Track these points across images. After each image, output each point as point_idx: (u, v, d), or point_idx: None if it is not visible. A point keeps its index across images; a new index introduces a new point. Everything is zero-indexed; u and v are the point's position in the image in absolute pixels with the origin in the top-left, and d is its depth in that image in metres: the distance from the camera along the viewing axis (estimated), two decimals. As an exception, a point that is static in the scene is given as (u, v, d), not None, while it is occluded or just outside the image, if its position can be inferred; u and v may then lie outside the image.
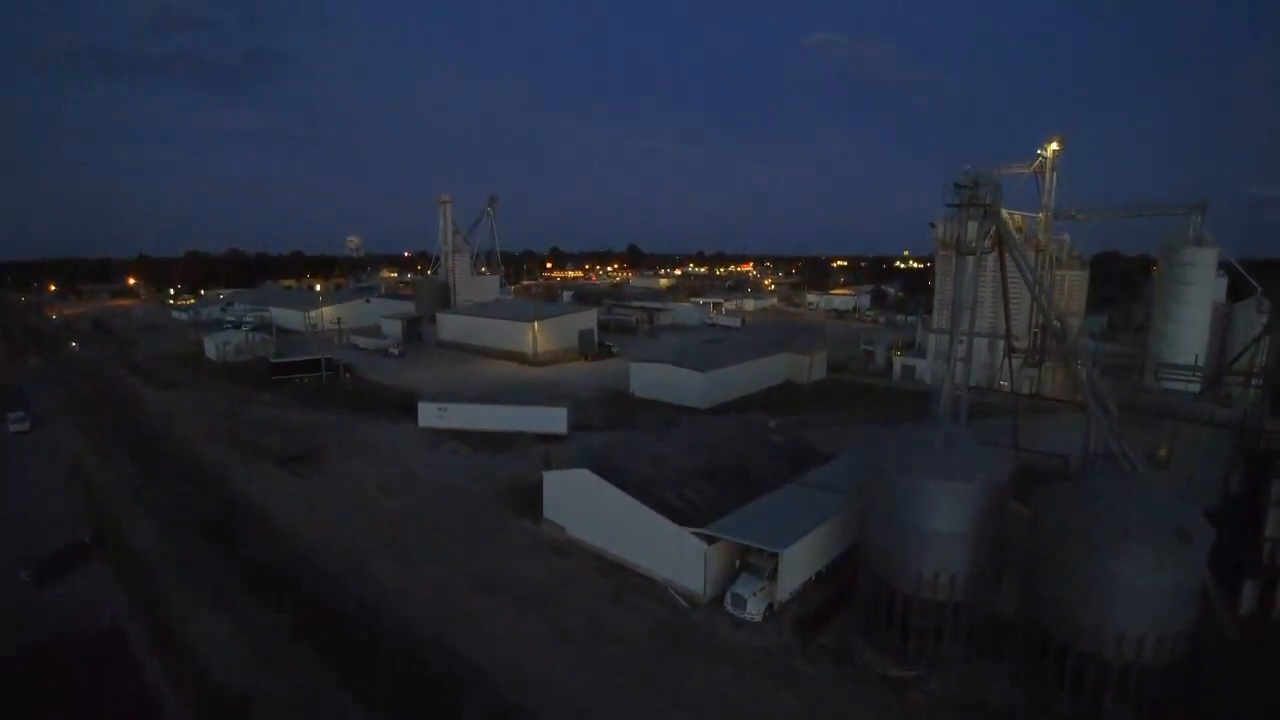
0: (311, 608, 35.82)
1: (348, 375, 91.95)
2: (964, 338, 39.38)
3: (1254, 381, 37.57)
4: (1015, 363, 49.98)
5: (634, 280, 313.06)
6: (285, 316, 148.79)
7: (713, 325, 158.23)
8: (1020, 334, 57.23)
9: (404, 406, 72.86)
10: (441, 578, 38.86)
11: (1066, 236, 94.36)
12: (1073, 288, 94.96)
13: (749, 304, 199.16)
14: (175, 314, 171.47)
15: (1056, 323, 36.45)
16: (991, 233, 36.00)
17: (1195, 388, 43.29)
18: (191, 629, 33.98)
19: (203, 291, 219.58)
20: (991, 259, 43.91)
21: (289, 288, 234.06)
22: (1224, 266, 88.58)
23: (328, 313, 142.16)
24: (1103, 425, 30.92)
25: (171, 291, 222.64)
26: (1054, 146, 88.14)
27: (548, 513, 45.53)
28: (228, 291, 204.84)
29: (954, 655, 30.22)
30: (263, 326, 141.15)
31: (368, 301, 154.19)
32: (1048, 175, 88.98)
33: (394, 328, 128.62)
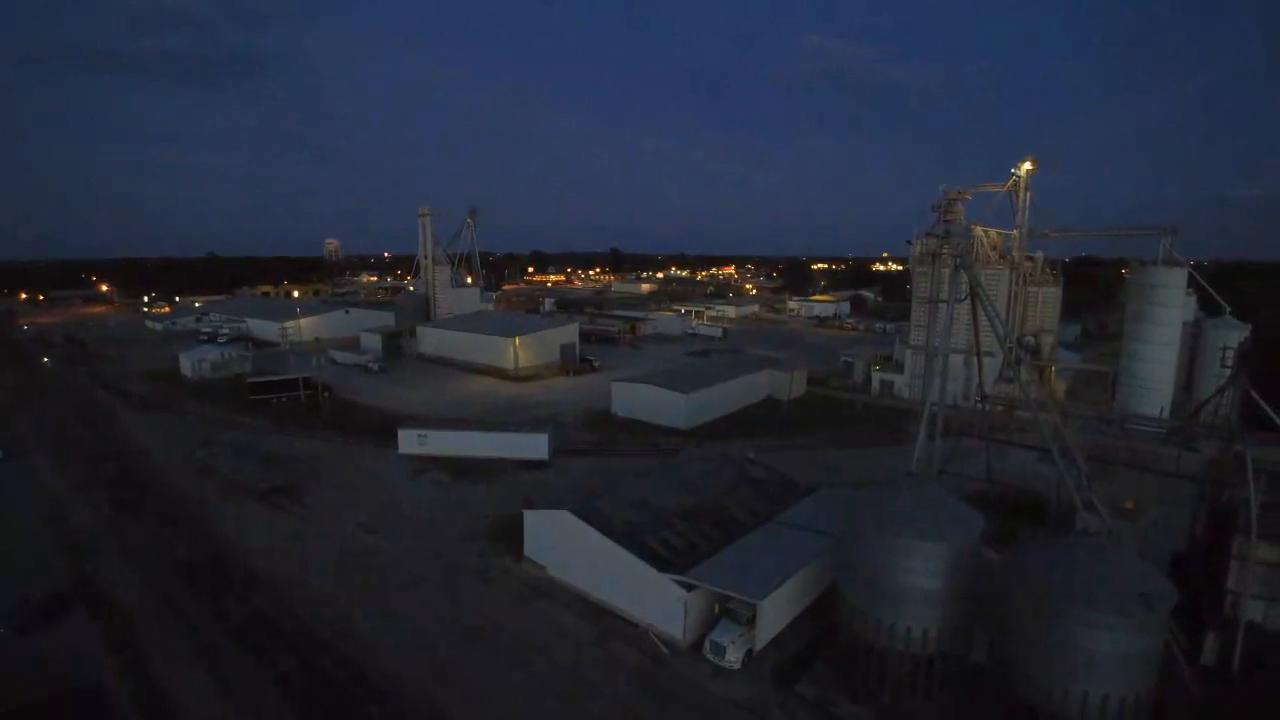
0: (296, 664, 35.61)
1: (326, 396, 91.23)
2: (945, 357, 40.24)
3: (1218, 427, 38.66)
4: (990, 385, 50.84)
5: (616, 285, 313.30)
6: (262, 327, 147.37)
7: (694, 335, 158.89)
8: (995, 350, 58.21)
9: (385, 430, 72.50)
10: (426, 628, 38.77)
11: (1040, 254, 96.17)
12: (1046, 303, 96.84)
13: (731, 311, 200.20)
14: (150, 323, 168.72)
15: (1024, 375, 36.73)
16: (964, 283, 36.71)
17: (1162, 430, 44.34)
18: (174, 686, 33.76)
19: (178, 299, 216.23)
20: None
21: (266, 295, 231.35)
22: (1195, 281, 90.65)
23: (305, 324, 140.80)
24: (1071, 477, 31.71)
25: (146, 299, 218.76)
26: (1027, 166, 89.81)
27: (528, 551, 45.71)
28: (203, 300, 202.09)
29: (929, 708, 30.89)
30: (238, 339, 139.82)
31: (347, 313, 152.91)
32: (1021, 194, 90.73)
33: (374, 342, 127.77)
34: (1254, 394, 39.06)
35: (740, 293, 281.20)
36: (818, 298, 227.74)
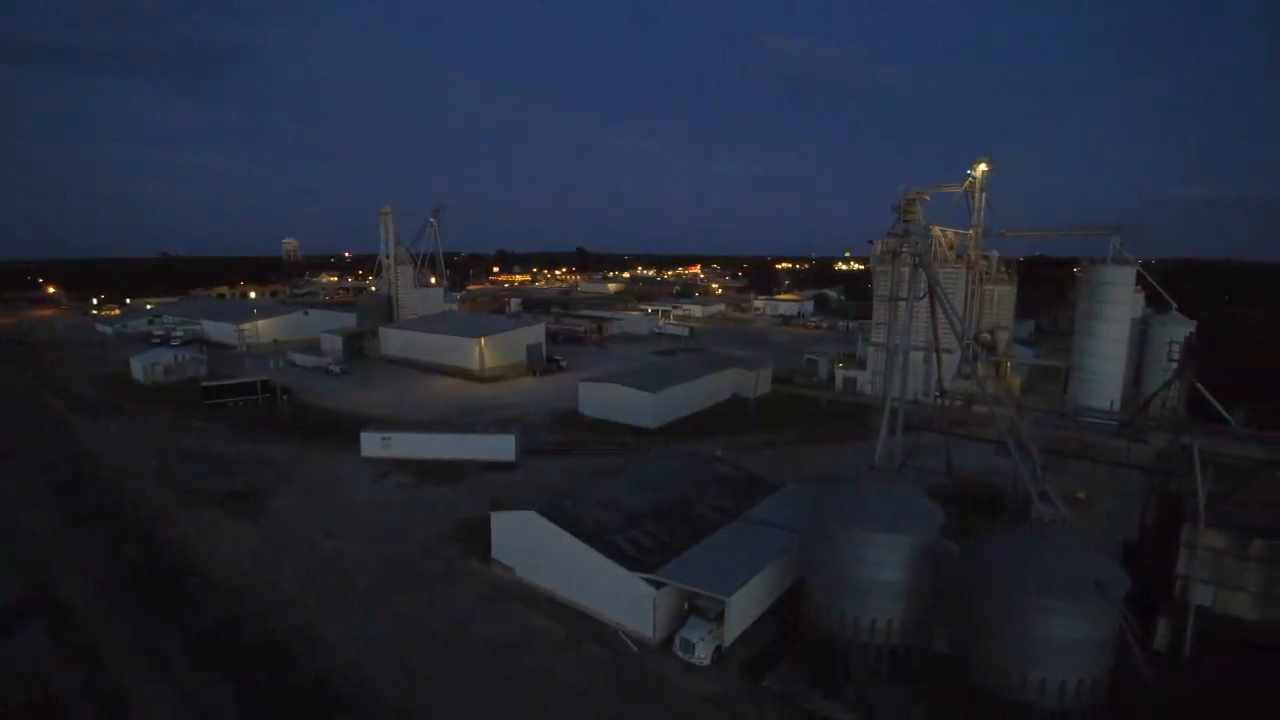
0: (260, 673, 34.71)
1: (285, 398, 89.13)
2: (904, 360, 41.09)
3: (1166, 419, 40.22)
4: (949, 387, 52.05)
5: (583, 285, 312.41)
6: (218, 330, 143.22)
7: (661, 334, 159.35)
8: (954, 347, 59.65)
9: (347, 433, 71.07)
10: (393, 632, 38.19)
11: (995, 253, 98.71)
12: (1002, 300, 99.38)
13: (697, 311, 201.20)
14: (100, 327, 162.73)
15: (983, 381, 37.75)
16: (923, 282, 37.51)
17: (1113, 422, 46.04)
18: (132, 698, 32.67)
19: (129, 301, 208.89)
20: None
21: (222, 296, 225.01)
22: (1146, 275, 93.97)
23: (263, 326, 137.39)
24: (1026, 469, 32.66)
25: (95, 301, 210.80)
26: (983, 167, 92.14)
27: (496, 553, 45.32)
28: (156, 302, 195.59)
29: (894, 698, 31.50)
30: (193, 341, 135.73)
31: (306, 314, 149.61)
32: (977, 194, 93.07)
33: (335, 343, 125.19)
34: (1200, 387, 40.79)
35: (706, 292, 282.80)
36: (782, 297, 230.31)
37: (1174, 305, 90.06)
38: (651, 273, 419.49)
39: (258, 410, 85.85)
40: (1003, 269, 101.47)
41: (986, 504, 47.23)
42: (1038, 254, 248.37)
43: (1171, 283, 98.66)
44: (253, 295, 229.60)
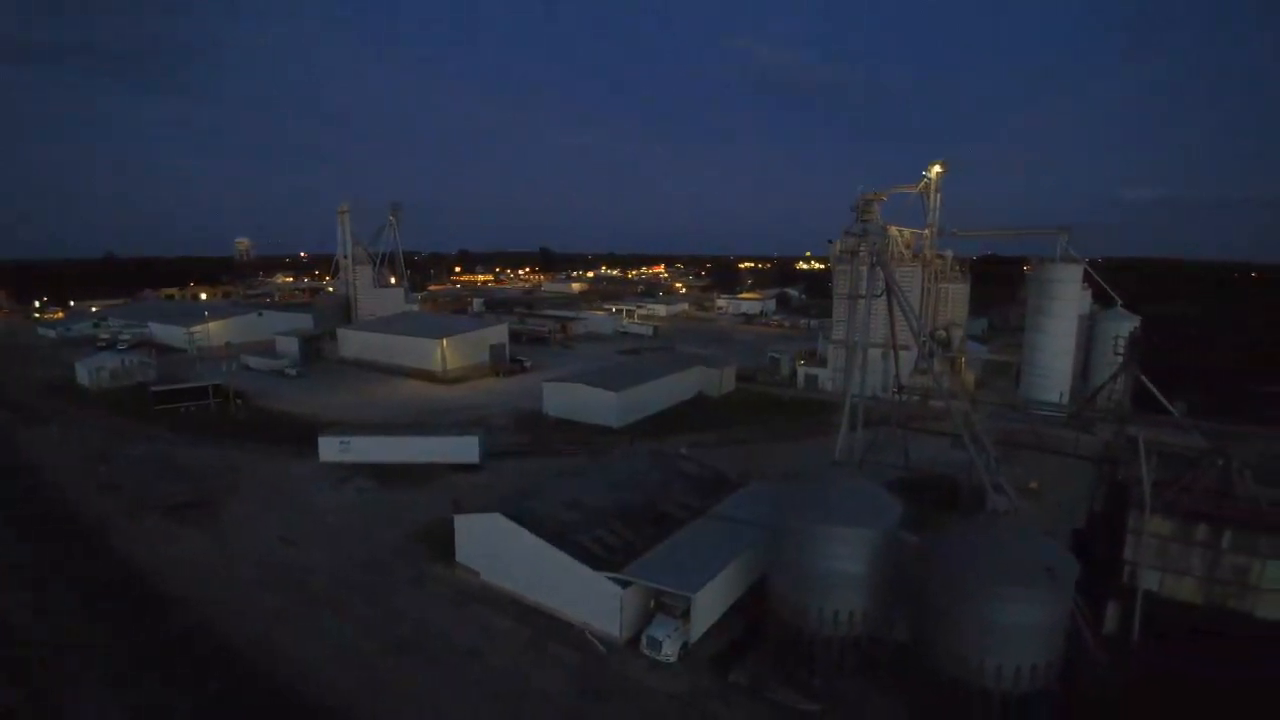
0: (216, 686, 33.61)
1: (239, 403, 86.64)
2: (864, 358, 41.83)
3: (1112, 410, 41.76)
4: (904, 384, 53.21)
5: (546, 285, 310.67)
6: (167, 333, 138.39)
7: (625, 334, 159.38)
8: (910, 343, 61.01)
9: (305, 437, 69.34)
10: (355, 640, 37.39)
11: (949, 252, 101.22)
12: (956, 298, 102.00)
13: (661, 310, 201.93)
14: (41, 330, 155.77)
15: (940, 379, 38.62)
16: (881, 280, 38.27)
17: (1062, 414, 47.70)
18: (81, 718, 31.37)
19: (72, 303, 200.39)
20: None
21: (171, 298, 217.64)
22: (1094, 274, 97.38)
23: (214, 328, 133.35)
24: (980, 461, 33.58)
25: (36, 304, 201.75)
26: (937, 169, 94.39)
27: (460, 557, 44.78)
28: (101, 305, 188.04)
29: (857, 688, 32.07)
30: (141, 345, 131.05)
31: (260, 315, 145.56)
32: (932, 195, 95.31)
33: (290, 345, 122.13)
34: (1144, 380, 42.43)
35: (670, 291, 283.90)
36: (745, 296, 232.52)
37: (1119, 302, 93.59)
38: (616, 272, 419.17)
39: (210, 415, 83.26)
40: (956, 268, 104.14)
41: (943, 496, 48.39)
42: (989, 253, 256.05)
43: (1116, 280, 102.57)
44: (203, 297, 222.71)
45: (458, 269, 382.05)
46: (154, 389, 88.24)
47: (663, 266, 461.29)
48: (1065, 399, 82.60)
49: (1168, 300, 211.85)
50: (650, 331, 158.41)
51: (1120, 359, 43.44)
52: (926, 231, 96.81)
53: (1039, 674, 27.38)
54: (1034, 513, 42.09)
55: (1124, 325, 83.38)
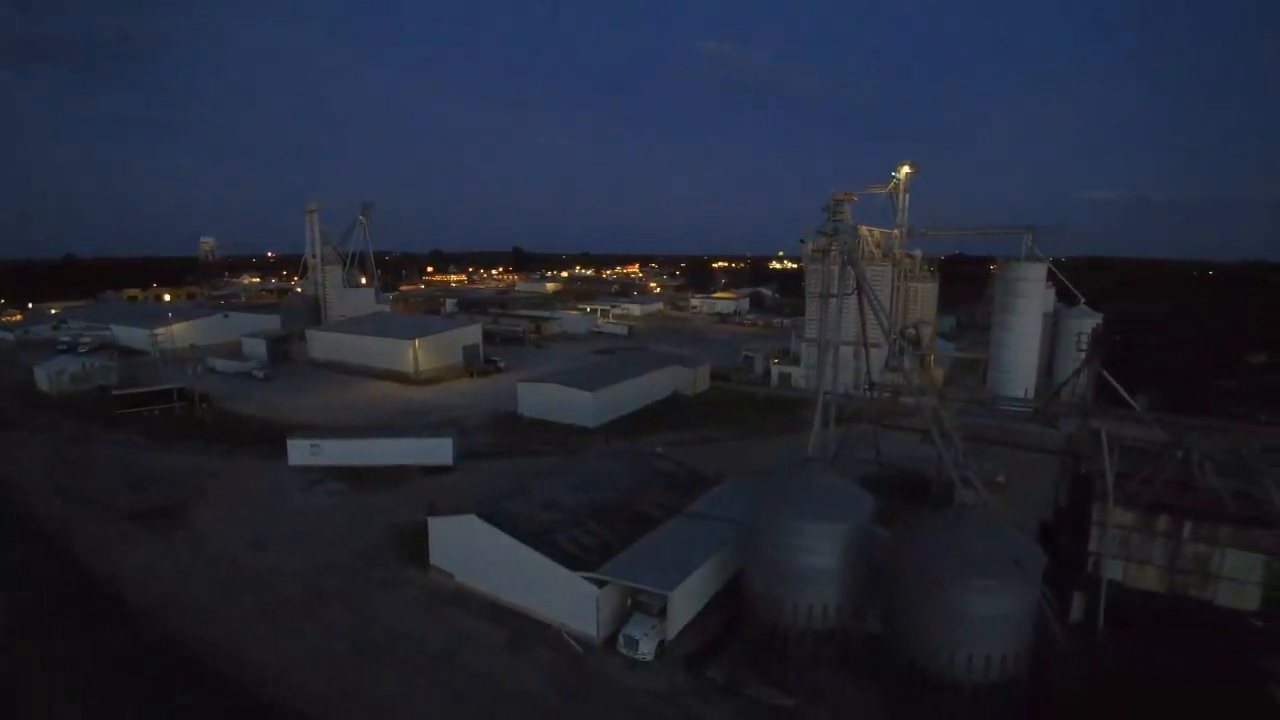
0: (183, 697, 32.85)
1: (204, 406, 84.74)
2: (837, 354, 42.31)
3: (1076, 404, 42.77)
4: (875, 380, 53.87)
5: (520, 285, 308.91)
6: (129, 335, 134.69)
7: (600, 333, 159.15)
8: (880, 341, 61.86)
9: (274, 440, 68.04)
10: (327, 646, 36.79)
11: (918, 252, 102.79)
12: (925, 297, 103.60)
13: (636, 309, 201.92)
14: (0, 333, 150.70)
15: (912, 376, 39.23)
16: (852, 279, 38.74)
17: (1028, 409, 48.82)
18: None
19: (31, 305, 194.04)
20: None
21: (134, 300, 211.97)
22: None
23: (178, 330, 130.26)
24: (949, 456, 34.17)
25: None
26: (906, 170, 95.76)
27: (435, 560, 44.32)
28: (61, 307, 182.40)
29: (833, 681, 32.42)
30: (102, 347, 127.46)
31: (226, 317, 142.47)
32: (901, 195, 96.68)
33: (258, 347, 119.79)
34: (1106, 375, 43.51)
35: (645, 291, 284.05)
36: (719, 295, 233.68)
37: (1082, 299, 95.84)
38: (590, 272, 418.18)
39: (175, 420, 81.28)
40: (925, 267, 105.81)
41: (914, 490, 49.13)
42: (957, 253, 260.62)
43: (1079, 278, 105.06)
44: (167, 298, 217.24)
45: (430, 269, 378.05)
46: (116, 393, 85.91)
47: (637, 266, 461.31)
48: (1030, 394, 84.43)
49: (1129, 297, 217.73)
50: (625, 331, 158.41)
51: (1083, 354, 44.49)
52: (896, 231, 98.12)
53: (1008, 664, 27.97)
54: (1002, 506, 42.95)
55: (1086, 322, 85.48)
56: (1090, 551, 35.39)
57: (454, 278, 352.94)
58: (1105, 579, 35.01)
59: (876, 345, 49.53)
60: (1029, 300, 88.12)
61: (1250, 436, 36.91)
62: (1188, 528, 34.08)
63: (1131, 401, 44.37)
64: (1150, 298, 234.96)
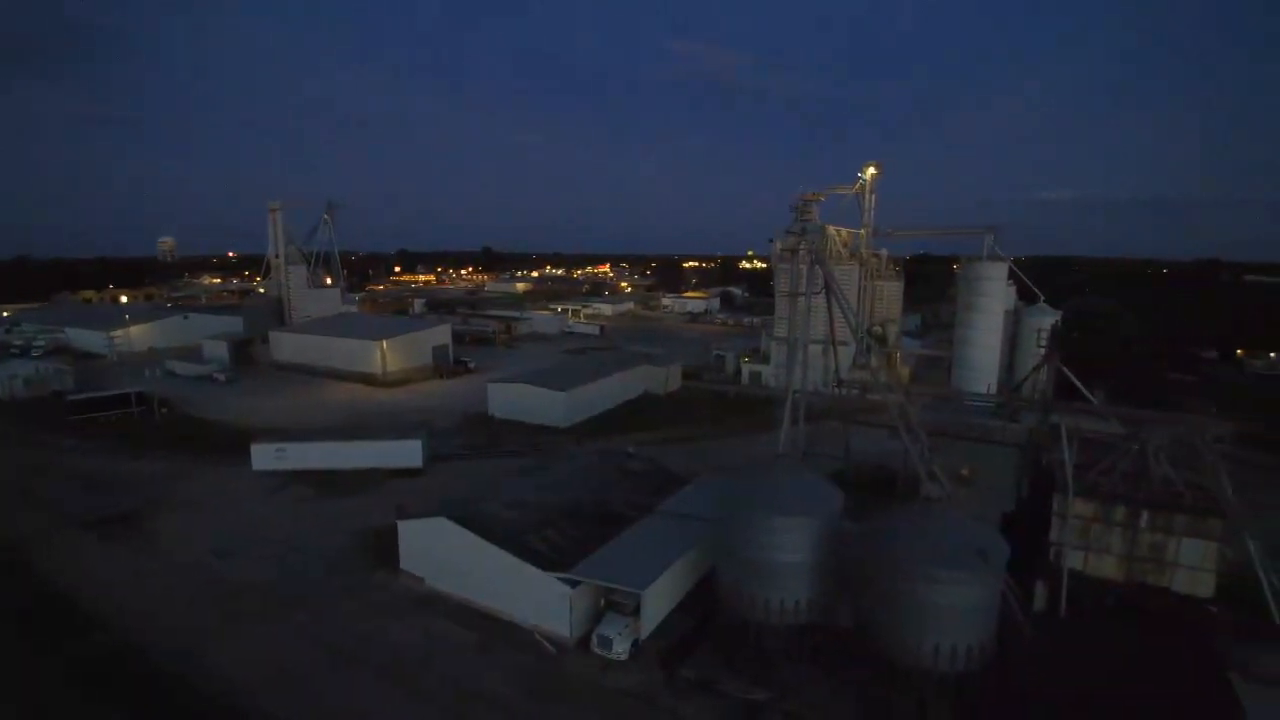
0: (147, 710, 31.90)
1: (164, 411, 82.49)
2: (807, 351, 42.86)
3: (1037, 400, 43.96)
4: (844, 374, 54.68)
5: (490, 285, 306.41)
6: (85, 338, 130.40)
7: (571, 333, 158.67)
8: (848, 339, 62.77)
9: (237, 445, 66.42)
10: (295, 654, 36.03)
11: (884, 252, 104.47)
12: (891, 296, 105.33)
13: (607, 309, 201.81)
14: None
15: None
16: (820, 279, 39.23)
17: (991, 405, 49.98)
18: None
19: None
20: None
21: (89, 302, 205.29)
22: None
23: (136, 333, 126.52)
24: (915, 451, 34.82)
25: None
26: (872, 170, 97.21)
27: (405, 563, 43.73)
28: (13, 309, 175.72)
29: (805, 674, 32.79)
30: (57, 351, 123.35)
31: (186, 319, 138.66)
32: (867, 196, 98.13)
33: (219, 350, 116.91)
34: (1065, 370, 44.75)
35: (616, 291, 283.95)
36: (690, 295, 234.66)
37: (1041, 297, 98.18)
38: (560, 272, 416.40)
39: (133, 425, 78.88)
40: (891, 266, 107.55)
41: (881, 485, 49.93)
42: (922, 252, 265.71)
43: (1039, 277, 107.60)
44: (124, 299, 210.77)
45: (397, 269, 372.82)
46: (72, 398, 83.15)
47: (608, 266, 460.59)
48: (993, 390, 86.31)
49: (1086, 295, 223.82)
50: (597, 331, 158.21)
51: (1043, 351, 45.65)
52: (863, 231, 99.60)
53: (974, 653, 28.54)
54: (966, 499, 43.83)
55: (1046, 319, 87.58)
56: (1052, 541, 36.46)
57: (422, 278, 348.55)
58: (1066, 568, 36.08)
59: (844, 343, 50.30)
60: (991, 299, 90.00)
61: (1202, 429, 38.23)
62: (1144, 517, 35.28)
63: (1089, 396, 45.71)
64: (1105, 294, 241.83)
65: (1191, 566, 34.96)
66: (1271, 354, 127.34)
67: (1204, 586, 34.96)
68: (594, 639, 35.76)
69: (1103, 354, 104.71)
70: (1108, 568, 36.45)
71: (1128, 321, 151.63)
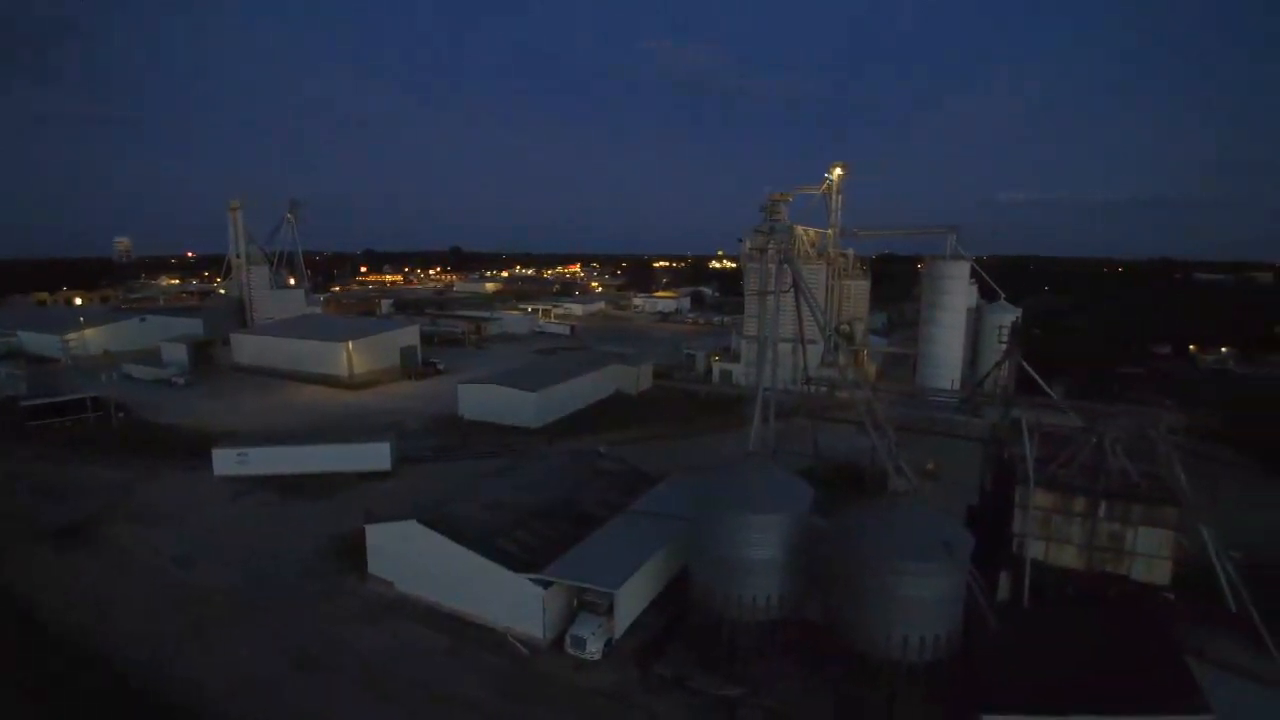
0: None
1: (121, 416, 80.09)
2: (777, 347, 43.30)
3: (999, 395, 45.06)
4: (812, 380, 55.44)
5: (459, 285, 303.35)
6: (37, 341, 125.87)
7: (542, 333, 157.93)
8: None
9: (197, 450, 64.71)
10: (261, 662, 35.27)
11: (851, 251, 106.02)
12: (858, 294, 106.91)
13: (577, 309, 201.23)
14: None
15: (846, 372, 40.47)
16: (789, 277, 39.69)
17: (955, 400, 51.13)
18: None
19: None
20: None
21: (42, 304, 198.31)
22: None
23: (91, 336, 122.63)
24: (882, 447, 35.45)
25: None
26: (839, 171, 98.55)
27: (373, 568, 43.12)
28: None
29: (777, 669, 33.14)
30: (9, 355, 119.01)
31: (143, 321, 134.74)
32: (834, 196, 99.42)
33: (178, 353, 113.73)
34: (1026, 366, 45.93)
35: (586, 291, 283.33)
36: (660, 294, 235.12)
37: (1002, 295, 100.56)
38: (530, 272, 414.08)
39: (89, 431, 76.36)
40: (858, 265, 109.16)
41: (850, 480, 50.74)
42: (887, 252, 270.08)
43: (1000, 276, 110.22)
44: (79, 301, 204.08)
45: (364, 269, 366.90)
46: (25, 403, 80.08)
47: (578, 266, 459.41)
48: (956, 385, 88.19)
49: (1045, 293, 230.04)
50: (567, 331, 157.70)
51: (1004, 347, 46.77)
52: (830, 231, 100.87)
53: (941, 643, 29.15)
54: (932, 493, 44.73)
55: (1007, 317, 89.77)
56: (1014, 533, 37.38)
57: (390, 278, 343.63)
58: (1029, 559, 37.04)
59: (813, 341, 50.92)
60: (954, 297, 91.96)
61: (1157, 421, 39.53)
62: (1103, 508, 36.35)
63: (1049, 390, 46.99)
64: (1063, 292, 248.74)
65: (1149, 555, 36.13)
66: (1223, 349, 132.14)
67: (1161, 574, 36.15)
68: (568, 639, 35.72)
69: (1061, 349, 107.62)
70: (1068, 557, 37.48)
71: (1085, 317, 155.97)
